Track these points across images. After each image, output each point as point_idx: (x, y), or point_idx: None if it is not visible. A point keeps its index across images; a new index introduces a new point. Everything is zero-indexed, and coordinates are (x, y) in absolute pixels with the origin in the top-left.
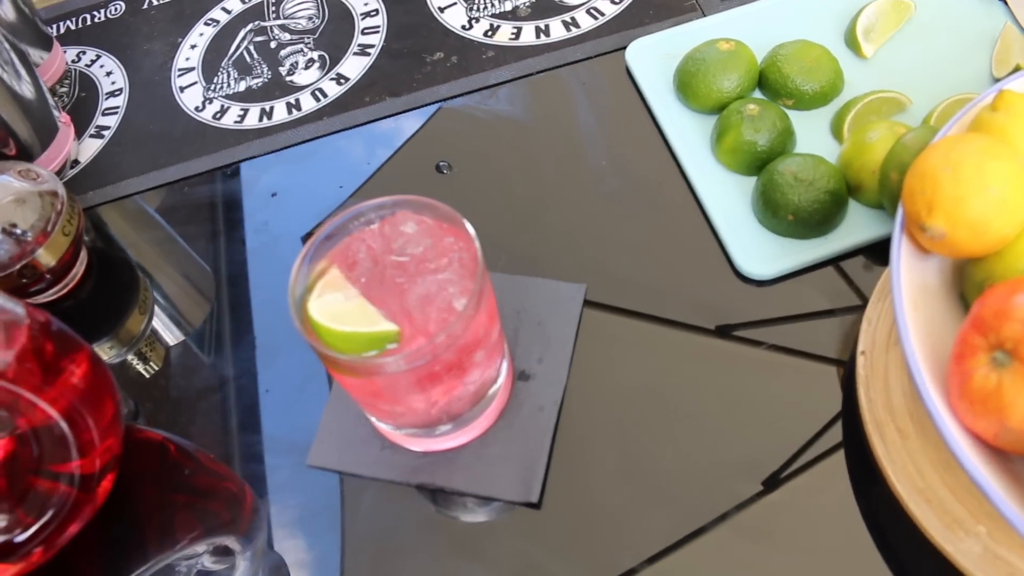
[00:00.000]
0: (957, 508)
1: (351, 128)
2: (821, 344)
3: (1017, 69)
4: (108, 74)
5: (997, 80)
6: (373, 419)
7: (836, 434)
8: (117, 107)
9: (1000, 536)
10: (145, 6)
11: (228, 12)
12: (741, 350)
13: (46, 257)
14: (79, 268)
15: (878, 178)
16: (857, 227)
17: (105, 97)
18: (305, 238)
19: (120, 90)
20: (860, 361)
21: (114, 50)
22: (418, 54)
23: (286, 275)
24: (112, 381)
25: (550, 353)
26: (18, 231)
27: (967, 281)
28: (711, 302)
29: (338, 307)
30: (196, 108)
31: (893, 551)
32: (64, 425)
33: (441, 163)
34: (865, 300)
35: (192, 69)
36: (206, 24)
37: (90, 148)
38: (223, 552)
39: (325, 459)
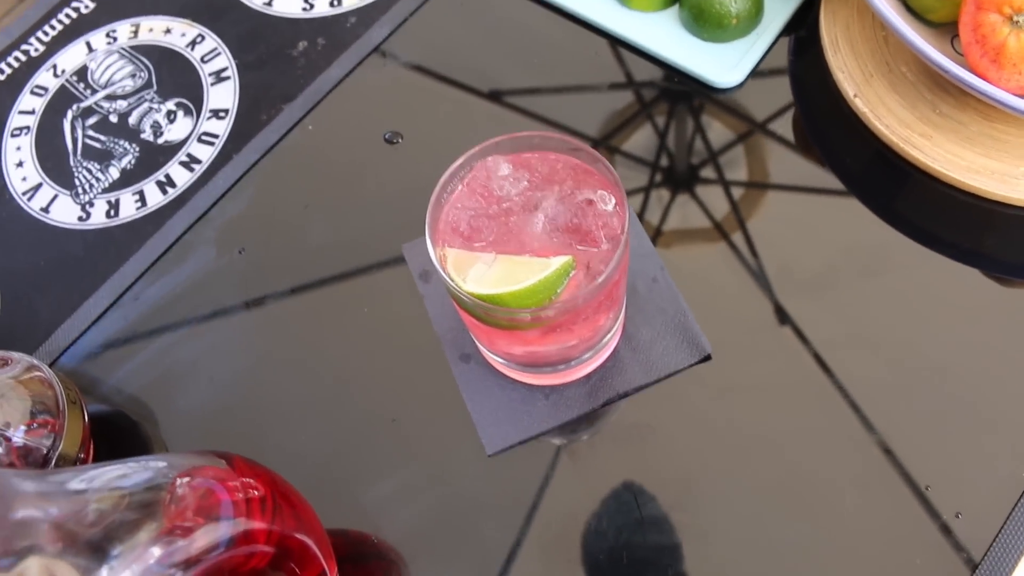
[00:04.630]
0: (1001, 166)
1: (271, 150)
2: (811, 105)
3: None
4: None
5: None
6: (531, 373)
7: (866, 158)
8: None
9: None
10: None
11: (31, 112)
12: (768, 143)
13: (71, 440)
14: (88, 440)
15: None
16: (776, 7)
17: None
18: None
19: None
20: (857, 102)
21: None
22: (280, 53)
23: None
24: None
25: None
26: (15, 433)
27: None
28: (708, 122)
29: (492, 275)
30: (80, 218)
31: (964, 223)
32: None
33: (387, 134)
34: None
35: (39, 185)
36: (14, 135)
37: None
38: None
39: (502, 440)
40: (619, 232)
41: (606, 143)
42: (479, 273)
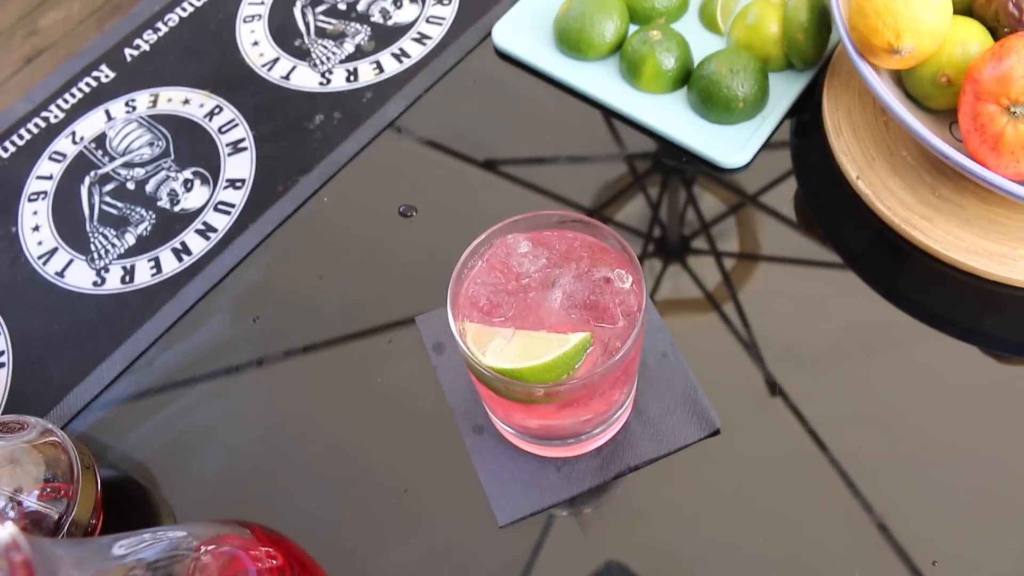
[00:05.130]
0: (999, 248)
1: (287, 220)
2: (814, 185)
3: None
4: None
5: None
6: (544, 446)
7: (867, 238)
8: None
9: None
10: None
11: (48, 178)
12: (773, 222)
13: (84, 506)
14: (100, 507)
15: (782, 44)
16: (780, 91)
17: None
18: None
19: None
20: (860, 184)
21: None
22: (297, 125)
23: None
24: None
25: None
26: (27, 497)
27: (917, 81)
28: (715, 201)
29: (511, 349)
30: (95, 283)
31: (964, 302)
32: None
33: (401, 207)
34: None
35: (55, 250)
36: (31, 200)
37: None
38: None
39: (515, 511)
40: (636, 310)
41: (616, 220)
42: (498, 347)
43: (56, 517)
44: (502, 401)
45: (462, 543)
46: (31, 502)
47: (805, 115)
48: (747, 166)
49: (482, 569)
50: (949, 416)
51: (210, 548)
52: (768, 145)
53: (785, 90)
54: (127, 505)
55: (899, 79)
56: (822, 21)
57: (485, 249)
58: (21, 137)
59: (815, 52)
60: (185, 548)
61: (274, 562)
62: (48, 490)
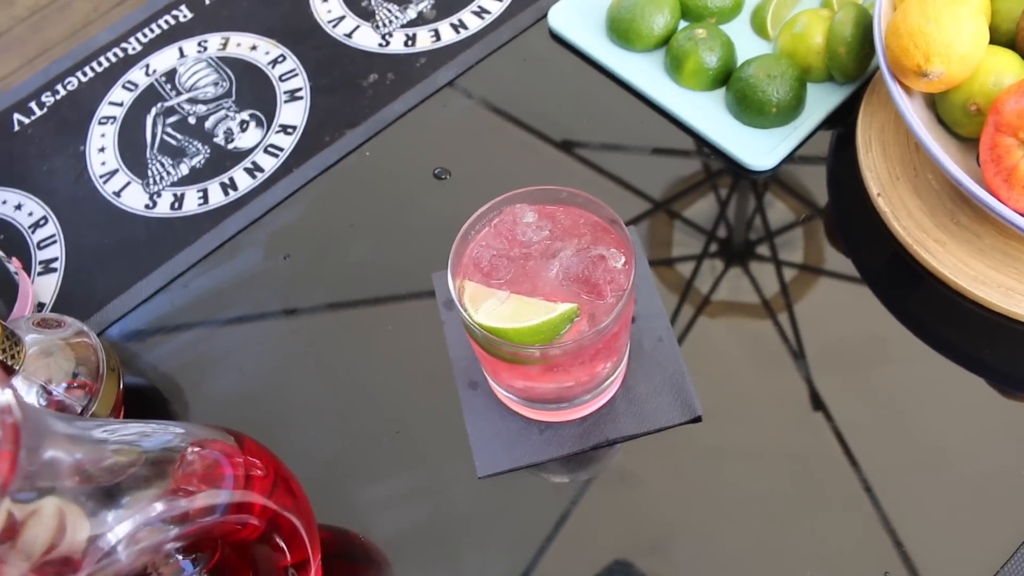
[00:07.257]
0: (1007, 281)
1: (329, 169)
2: (836, 198)
3: None
4: (18, 207)
5: None
6: (530, 408)
7: (881, 255)
8: (52, 236)
9: None
10: (16, 128)
11: (119, 104)
12: (784, 225)
13: (104, 403)
14: (120, 407)
15: (824, 56)
16: (817, 102)
17: (30, 230)
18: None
19: (44, 219)
20: (880, 201)
21: (6, 182)
22: (352, 81)
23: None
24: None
25: (638, 293)
26: (56, 388)
27: (948, 107)
28: (735, 200)
29: (503, 310)
30: (147, 206)
31: (965, 329)
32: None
33: (436, 170)
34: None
35: (116, 171)
36: (101, 123)
37: (47, 286)
38: None
39: (494, 464)
40: (624, 288)
41: (631, 211)
42: (491, 307)
43: (79, 409)
44: (490, 358)
45: (441, 487)
46: (59, 392)
47: (840, 128)
48: (773, 171)
49: (456, 513)
50: (930, 433)
51: (197, 449)
52: (798, 153)
53: (823, 101)
54: (144, 409)
55: (933, 103)
56: (866, 38)
57: (494, 215)
58: (100, 64)
59: (856, 67)
60: (177, 444)
61: (258, 472)
62: (75, 384)
